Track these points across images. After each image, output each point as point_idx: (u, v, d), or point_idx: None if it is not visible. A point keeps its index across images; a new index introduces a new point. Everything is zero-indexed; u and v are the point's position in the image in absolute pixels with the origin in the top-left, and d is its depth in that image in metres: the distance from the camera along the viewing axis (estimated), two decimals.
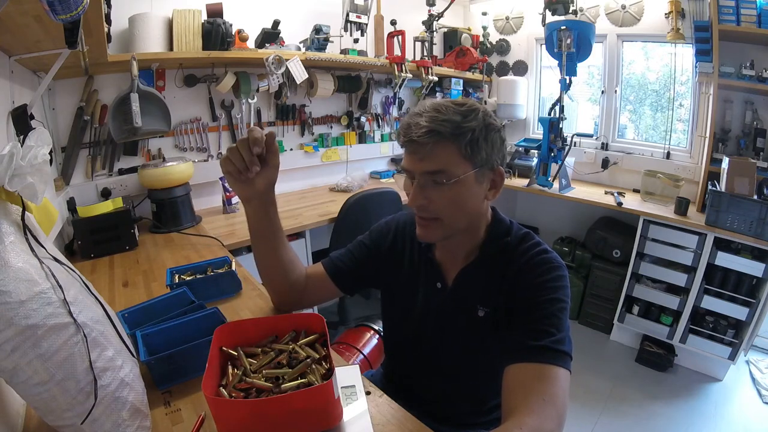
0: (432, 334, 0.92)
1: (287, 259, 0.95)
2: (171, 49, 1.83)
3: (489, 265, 0.85)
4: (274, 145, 0.82)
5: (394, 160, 3.12)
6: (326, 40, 2.24)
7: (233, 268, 1.23)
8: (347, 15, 2.20)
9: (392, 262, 0.98)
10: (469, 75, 3.12)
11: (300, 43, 2.28)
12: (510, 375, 0.69)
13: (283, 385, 0.68)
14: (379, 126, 2.96)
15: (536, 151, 2.75)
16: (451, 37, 3.15)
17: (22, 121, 0.78)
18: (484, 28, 3.23)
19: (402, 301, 0.97)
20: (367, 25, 2.28)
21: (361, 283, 1.04)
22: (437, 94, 3.07)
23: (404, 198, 2.28)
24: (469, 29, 3.25)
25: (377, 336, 1.64)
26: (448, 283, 0.90)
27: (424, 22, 2.78)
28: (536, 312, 0.73)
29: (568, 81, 2.48)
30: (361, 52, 2.45)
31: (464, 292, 0.87)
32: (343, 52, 2.36)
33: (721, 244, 2.10)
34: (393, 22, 2.53)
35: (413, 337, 0.95)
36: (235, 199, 2.13)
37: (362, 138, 2.88)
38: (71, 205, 1.60)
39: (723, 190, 2.06)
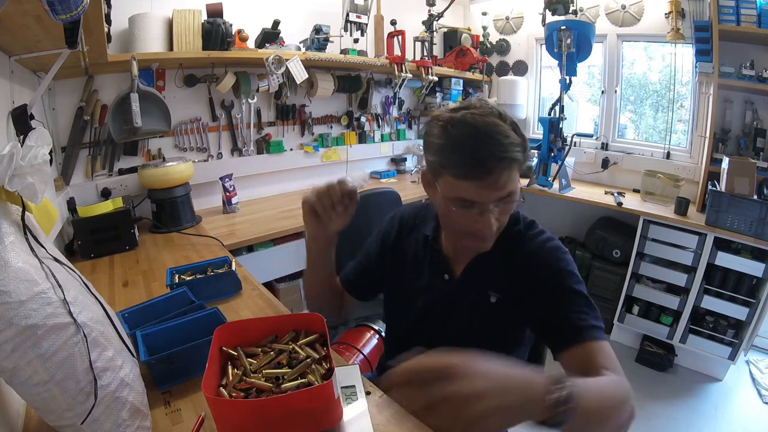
0: (438, 326, 0.92)
1: (335, 287, 1.05)
2: (171, 49, 1.83)
3: (500, 252, 0.85)
4: (356, 196, 0.84)
5: (394, 160, 3.12)
6: (326, 40, 2.24)
7: (233, 268, 1.23)
8: (347, 15, 2.20)
9: (398, 255, 0.99)
10: (469, 75, 3.12)
11: (300, 43, 2.27)
12: (569, 357, 0.74)
13: (283, 385, 0.68)
14: (379, 126, 2.96)
15: (536, 151, 2.75)
16: (451, 37, 3.15)
17: (22, 121, 0.77)
18: (484, 28, 3.23)
19: (406, 293, 0.98)
20: (367, 25, 2.28)
21: (375, 289, 1.07)
22: (437, 94, 3.07)
23: (404, 198, 2.28)
24: (469, 29, 3.25)
25: (377, 336, 1.64)
26: (456, 274, 0.90)
27: (424, 22, 2.78)
28: (573, 297, 0.79)
29: (568, 81, 2.48)
30: (361, 52, 2.45)
31: (475, 281, 0.88)
32: (343, 52, 2.36)
33: (721, 244, 2.10)
34: (393, 22, 2.53)
35: (418, 329, 0.96)
36: (235, 199, 2.13)
37: (362, 138, 2.88)
38: (71, 205, 1.60)
39: (723, 190, 2.06)
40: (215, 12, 1.89)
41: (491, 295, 0.86)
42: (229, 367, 0.74)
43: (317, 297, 1.04)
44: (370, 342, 1.61)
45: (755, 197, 1.97)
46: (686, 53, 2.50)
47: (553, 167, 2.61)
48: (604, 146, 2.88)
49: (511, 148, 0.70)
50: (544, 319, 0.81)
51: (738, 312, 2.11)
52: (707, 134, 2.27)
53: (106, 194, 1.84)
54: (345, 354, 1.52)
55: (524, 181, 2.78)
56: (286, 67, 2.01)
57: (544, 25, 2.54)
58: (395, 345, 1.06)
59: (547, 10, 2.51)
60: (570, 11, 2.44)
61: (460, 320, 0.90)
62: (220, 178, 2.09)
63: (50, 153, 0.61)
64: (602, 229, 2.63)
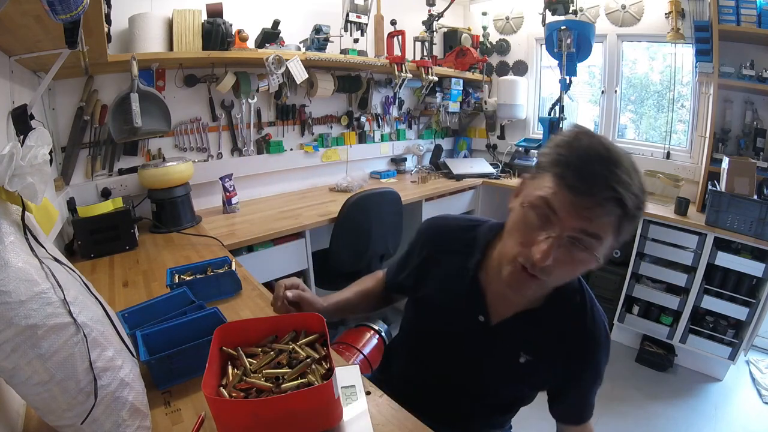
0: (455, 360, 0.89)
1: (360, 308, 1.07)
2: (171, 49, 1.83)
3: (548, 318, 0.79)
4: (297, 300, 0.90)
5: (394, 160, 3.12)
6: (326, 40, 2.24)
7: (233, 268, 1.23)
8: (347, 15, 2.20)
9: (427, 274, 0.92)
10: (469, 75, 3.12)
11: (300, 43, 2.28)
12: (567, 428, 0.89)
13: (283, 385, 0.68)
14: (379, 126, 2.96)
15: (536, 151, 2.75)
16: (451, 37, 3.15)
17: (22, 121, 0.77)
18: (484, 28, 3.23)
19: (430, 315, 0.92)
20: (367, 25, 2.28)
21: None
22: (437, 94, 3.07)
23: (404, 198, 2.28)
24: (469, 29, 3.25)
25: (377, 336, 1.64)
26: (492, 319, 0.83)
27: (424, 22, 2.78)
28: (594, 384, 0.86)
29: (568, 81, 2.48)
30: (361, 52, 2.45)
31: (510, 335, 0.82)
32: (343, 52, 2.36)
33: (721, 244, 2.10)
34: (393, 22, 2.53)
35: (432, 353, 0.92)
36: (235, 199, 2.13)
37: (362, 138, 2.88)
38: (71, 205, 1.60)
39: (723, 190, 2.06)
40: (215, 12, 1.89)
41: (522, 355, 0.82)
42: (229, 367, 0.74)
43: (364, 311, 1.09)
44: (370, 342, 1.61)
45: (755, 197, 1.97)
46: (686, 53, 2.50)
47: None
48: None
49: (625, 189, 0.60)
50: (559, 393, 0.87)
51: (738, 312, 2.11)
52: (707, 134, 2.27)
53: (106, 194, 1.84)
54: (345, 354, 1.52)
55: None
56: (286, 67, 2.01)
57: (544, 25, 2.54)
58: (404, 356, 1.03)
59: (547, 10, 2.51)
60: (570, 11, 2.44)
61: (481, 364, 0.86)
62: (220, 178, 2.09)
63: (50, 153, 0.61)
64: None
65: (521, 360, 0.82)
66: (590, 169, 0.61)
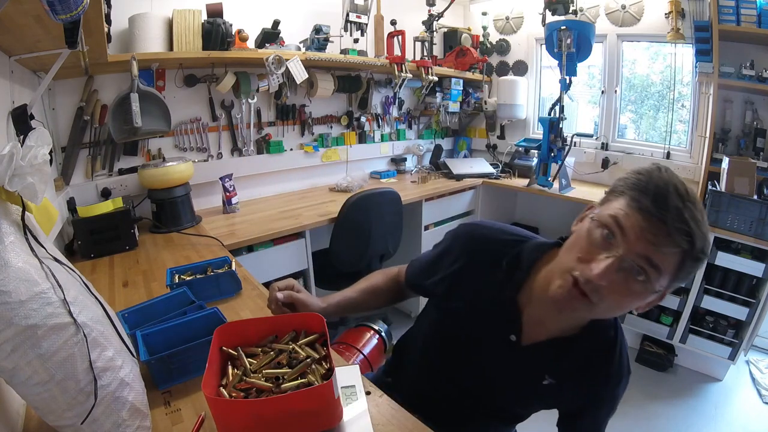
0: (478, 372, 0.87)
1: (366, 306, 1.03)
2: (171, 49, 1.83)
3: (580, 347, 0.79)
4: (290, 300, 0.91)
5: (394, 160, 3.12)
6: (326, 40, 2.24)
7: (233, 268, 1.23)
8: (347, 15, 2.20)
9: (455, 283, 0.87)
10: (469, 75, 3.12)
11: (300, 43, 2.28)
12: None
13: (283, 385, 0.68)
14: (379, 126, 2.96)
15: (536, 151, 2.75)
16: (451, 37, 3.15)
17: (22, 121, 0.77)
18: (484, 28, 3.23)
19: (456, 326, 0.88)
20: (367, 25, 2.28)
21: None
22: (437, 94, 3.07)
23: (404, 198, 2.28)
24: (469, 29, 3.25)
25: (377, 336, 1.64)
26: (523, 340, 0.81)
27: (424, 22, 2.78)
28: (604, 421, 0.88)
29: (568, 81, 2.48)
30: (361, 52, 2.45)
31: (539, 358, 0.81)
32: (343, 52, 2.36)
33: (721, 244, 2.10)
34: (393, 22, 2.53)
35: (448, 360, 0.90)
36: (235, 199, 2.13)
37: (362, 138, 2.88)
38: (71, 205, 1.60)
39: (723, 190, 2.06)
40: (215, 12, 1.89)
41: (546, 378, 0.81)
42: (229, 367, 0.74)
43: (370, 309, 1.06)
44: (370, 342, 1.61)
45: (755, 197, 1.97)
46: (686, 53, 2.50)
47: (553, 167, 2.61)
48: (604, 146, 2.88)
49: (697, 226, 0.61)
50: (573, 416, 0.87)
51: (738, 312, 2.11)
52: (707, 134, 2.27)
53: (106, 194, 1.84)
54: (345, 354, 1.52)
55: (524, 181, 2.78)
56: (286, 67, 2.01)
57: (544, 25, 2.54)
58: (417, 354, 0.99)
59: (547, 10, 2.50)
60: (570, 11, 2.44)
61: (501, 379, 0.85)
62: (220, 178, 2.09)
63: (50, 153, 0.61)
64: None
65: (545, 382, 0.82)
66: (666, 199, 0.61)
